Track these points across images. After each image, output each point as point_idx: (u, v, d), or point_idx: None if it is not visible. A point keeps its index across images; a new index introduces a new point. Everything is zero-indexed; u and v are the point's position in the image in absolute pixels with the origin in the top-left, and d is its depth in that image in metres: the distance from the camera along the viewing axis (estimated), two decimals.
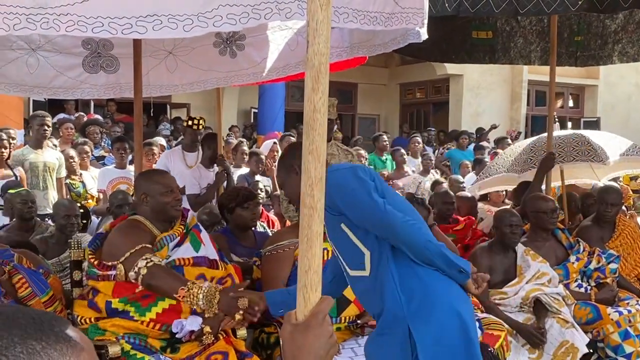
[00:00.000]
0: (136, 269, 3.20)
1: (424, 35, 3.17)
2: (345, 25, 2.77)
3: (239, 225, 4.50)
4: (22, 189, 5.73)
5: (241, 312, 2.98)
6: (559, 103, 18.14)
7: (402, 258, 2.63)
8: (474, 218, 5.97)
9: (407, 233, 2.57)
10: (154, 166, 6.86)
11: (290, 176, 2.80)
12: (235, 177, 7.59)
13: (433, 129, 14.99)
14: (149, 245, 3.34)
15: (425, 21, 3.05)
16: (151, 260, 3.21)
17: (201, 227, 3.72)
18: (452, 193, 6.09)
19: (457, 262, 2.65)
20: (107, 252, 3.43)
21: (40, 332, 0.87)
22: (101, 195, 6.84)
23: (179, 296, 3.09)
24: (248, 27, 2.57)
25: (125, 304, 3.29)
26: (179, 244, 3.50)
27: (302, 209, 1.35)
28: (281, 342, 1.38)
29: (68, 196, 6.65)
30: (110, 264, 3.35)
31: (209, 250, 3.58)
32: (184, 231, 3.57)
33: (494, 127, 13.57)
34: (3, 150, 6.22)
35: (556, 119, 13.22)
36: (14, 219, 5.13)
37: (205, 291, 3.06)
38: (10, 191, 5.34)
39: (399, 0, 2.91)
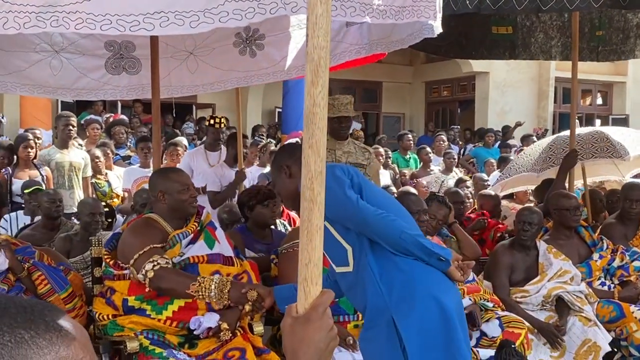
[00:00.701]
0: (143, 271, 3.26)
1: (438, 29, 3.16)
2: (353, 19, 2.77)
3: (258, 222, 4.51)
4: (49, 188, 5.84)
5: (250, 303, 3.06)
6: (587, 100, 17.91)
7: (381, 251, 2.71)
8: (488, 213, 5.92)
9: (381, 226, 2.66)
10: (177, 166, 6.93)
11: (280, 176, 2.91)
12: (256, 176, 7.64)
13: (457, 127, 14.88)
14: (158, 245, 3.38)
15: (439, 15, 3.03)
16: (158, 263, 3.26)
17: (216, 225, 3.75)
18: (461, 192, 6.04)
19: (435, 251, 2.71)
20: (120, 253, 3.51)
21: (30, 322, 0.87)
22: (126, 194, 6.93)
23: (191, 291, 3.13)
24: (255, 22, 2.58)
25: (141, 302, 3.33)
26: (192, 241, 3.54)
27: (302, 203, 1.36)
28: (282, 335, 1.39)
29: (94, 195, 6.74)
30: (122, 265, 3.42)
31: (223, 247, 3.61)
32: (198, 228, 3.60)
33: (518, 124, 13.43)
34: (29, 150, 6.32)
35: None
36: (39, 218, 5.22)
37: (217, 281, 3.15)
38: (26, 191, 5.45)
39: None
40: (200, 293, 3.14)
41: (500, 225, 5.81)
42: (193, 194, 3.57)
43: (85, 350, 0.92)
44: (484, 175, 8.59)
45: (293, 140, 9.45)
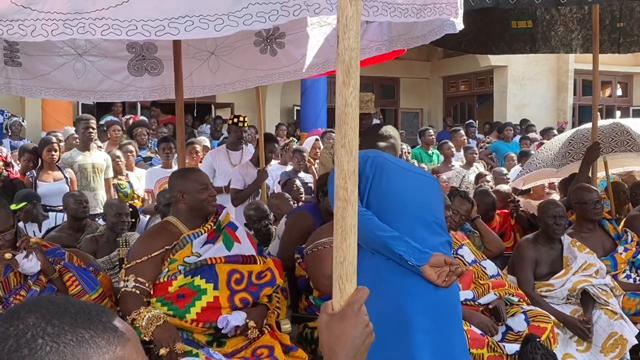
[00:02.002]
0: (122, 283, 3.39)
1: (460, 25, 3.16)
2: (376, 19, 2.78)
3: (328, 209, 4.47)
4: (74, 190, 5.91)
5: (167, 349, 3.13)
6: (607, 92, 17.75)
7: (363, 248, 2.75)
8: (507, 211, 5.89)
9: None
10: (199, 165, 6.97)
11: None
12: (279, 174, 7.67)
13: (474, 122, 14.81)
14: (156, 253, 3.42)
15: (460, 11, 3.04)
16: (125, 286, 3.36)
17: (237, 225, 3.77)
18: (491, 192, 5.97)
19: (402, 254, 2.75)
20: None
21: (89, 322, 0.91)
22: (147, 195, 6.99)
23: (130, 318, 3.22)
24: (279, 24, 2.61)
25: (162, 304, 3.36)
26: (209, 242, 3.56)
27: (336, 202, 1.38)
28: (319, 332, 1.41)
29: (116, 196, 6.81)
30: None
31: (244, 246, 3.63)
32: (214, 228, 3.62)
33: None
34: (53, 153, 6.40)
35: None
36: (65, 220, 5.29)
37: (150, 317, 3.22)
38: (16, 207, 5.44)
39: None
40: (136, 321, 3.21)
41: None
42: (212, 193, 3.59)
43: (138, 351, 0.96)
44: (504, 169, 8.55)
45: (312, 138, 9.49)
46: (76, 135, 7.97)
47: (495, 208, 5.67)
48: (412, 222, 2.91)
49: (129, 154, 7.68)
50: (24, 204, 5.48)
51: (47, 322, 0.89)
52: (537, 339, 3.86)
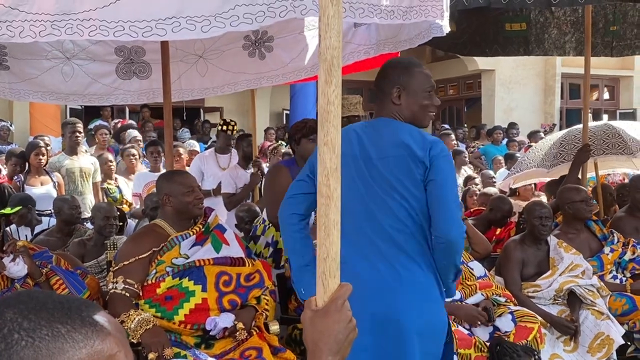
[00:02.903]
0: (110, 285, 3.39)
1: (446, 28, 3.18)
2: (362, 20, 2.80)
3: (304, 156, 4.47)
4: (62, 194, 5.90)
5: (156, 354, 3.12)
6: (594, 95, 17.87)
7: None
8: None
9: None
10: (188, 169, 6.98)
11: (392, 95, 2.90)
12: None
13: (463, 126, 14.86)
14: (144, 256, 3.42)
15: (446, 14, 3.06)
16: (115, 288, 3.35)
17: (225, 227, 3.78)
18: (508, 199, 5.90)
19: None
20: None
21: (67, 317, 0.91)
22: (135, 200, 6.98)
23: (120, 320, 3.19)
24: (265, 25, 2.63)
25: (150, 306, 3.36)
26: (198, 244, 3.57)
27: (319, 199, 1.40)
28: (303, 327, 1.43)
29: (105, 200, 6.80)
30: None
31: (233, 249, 3.64)
32: (202, 230, 3.62)
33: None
34: (41, 157, 6.40)
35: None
36: (55, 223, 5.28)
37: (140, 320, 3.22)
38: (10, 211, 5.42)
39: None
40: (125, 324, 3.20)
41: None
42: (198, 196, 3.60)
43: (120, 345, 0.96)
44: (491, 173, 8.61)
45: None
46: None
47: (511, 215, 5.66)
48: None
49: (132, 157, 7.67)
50: (19, 208, 5.48)
51: (24, 317, 0.90)
52: (522, 343, 3.89)
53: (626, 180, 7.38)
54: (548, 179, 6.83)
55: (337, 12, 1.36)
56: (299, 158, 4.51)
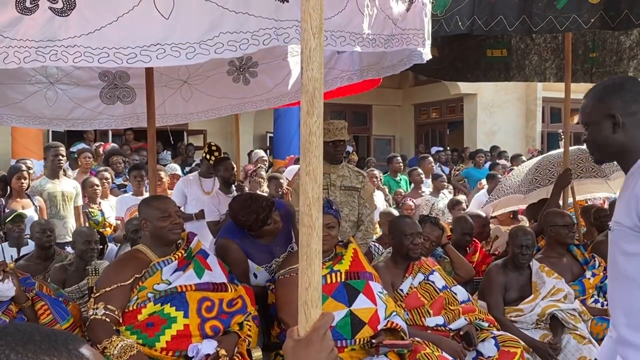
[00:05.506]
0: (91, 312, 3.35)
1: (427, 55, 3.23)
2: (344, 49, 2.83)
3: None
4: (42, 218, 5.86)
5: None
6: (575, 119, 18.07)
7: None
8: (478, 242, 5.85)
9: None
10: (171, 192, 6.96)
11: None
12: None
13: (444, 149, 14.97)
14: (126, 283, 3.39)
15: (427, 42, 3.11)
16: (95, 314, 3.31)
17: (208, 252, 3.77)
18: (470, 221, 5.86)
19: None
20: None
21: (54, 349, 0.92)
22: (119, 223, 6.94)
23: (101, 347, 3.18)
24: (250, 53, 2.65)
25: (131, 332, 3.34)
26: (180, 269, 3.55)
27: (301, 228, 1.41)
28: (284, 357, 1.43)
29: (86, 224, 6.76)
30: None
31: (215, 274, 3.63)
32: (185, 256, 3.61)
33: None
34: (23, 181, 6.35)
35: (562, 136, 13.15)
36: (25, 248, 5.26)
37: (123, 345, 3.19)
38: (8, 220, 5.47)
39: (398, 22, 2.97)
40: (107, 350, 3.18)
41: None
42: (174, 221, 3.56)
43: None
44: (462, 198, 8.64)
45: (295, 167, 9.44)
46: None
47: (472, 234, 5.62)
48: None
49: (104, 180, 7.65)
50: (20, 212, 5.53)
51: (12, 349, 0.90)
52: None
53: (606, 205, 7.44)
54: (525, 205, 6.86)
55: (318, 44, 1.39)
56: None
